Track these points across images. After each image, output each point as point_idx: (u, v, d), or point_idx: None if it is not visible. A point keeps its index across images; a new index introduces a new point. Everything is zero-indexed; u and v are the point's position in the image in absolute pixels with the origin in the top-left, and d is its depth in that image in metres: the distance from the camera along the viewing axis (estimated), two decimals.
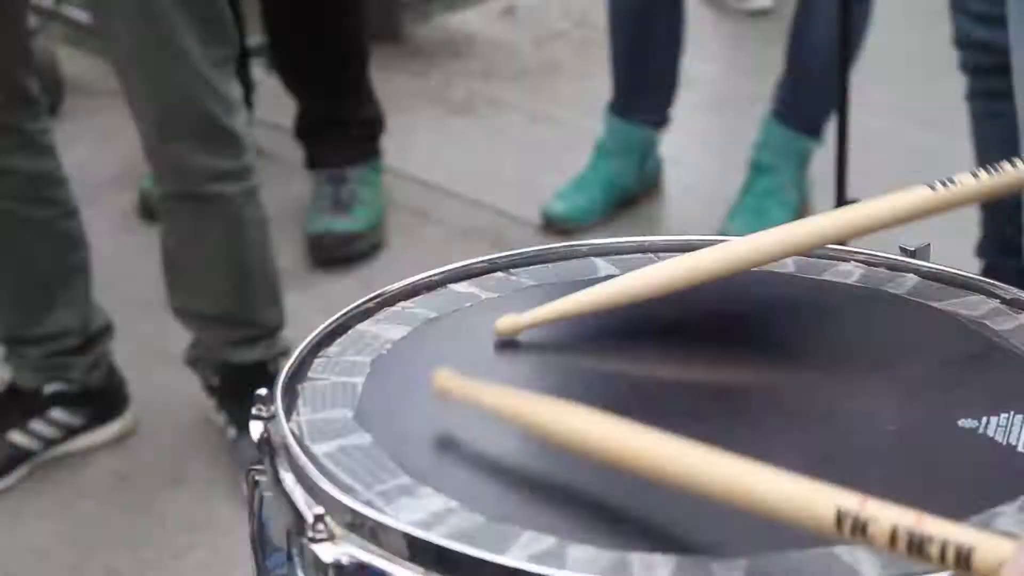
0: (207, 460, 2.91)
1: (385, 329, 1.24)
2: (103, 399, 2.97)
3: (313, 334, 1.21)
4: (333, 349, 1.21)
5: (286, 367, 1.17)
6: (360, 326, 1.24)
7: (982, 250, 3.07)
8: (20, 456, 2.91)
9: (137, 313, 3.02)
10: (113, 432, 2.99)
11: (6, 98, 2.69)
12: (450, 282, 1.31)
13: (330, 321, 1.22)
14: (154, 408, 3.05)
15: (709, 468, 0.93)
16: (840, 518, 0.85)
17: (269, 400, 1.13)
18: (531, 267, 1.33)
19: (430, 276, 1.30)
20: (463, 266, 1.31)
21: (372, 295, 1.26)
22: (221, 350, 2.88)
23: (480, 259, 1.32)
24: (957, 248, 3.13)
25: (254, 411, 1.12)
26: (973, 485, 1.07)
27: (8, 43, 2.67)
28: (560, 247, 1.35)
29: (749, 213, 3.51)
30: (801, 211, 3.58)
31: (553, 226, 3.59)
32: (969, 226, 3.16)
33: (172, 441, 2.99)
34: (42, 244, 2.82)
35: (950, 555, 0.80)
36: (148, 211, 3.62)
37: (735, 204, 3.57)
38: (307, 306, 3.18)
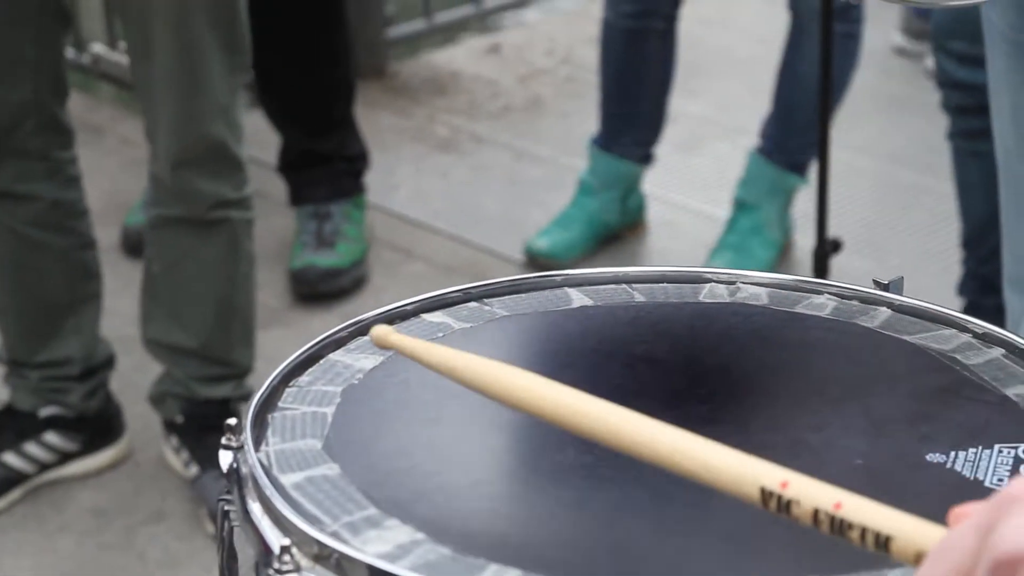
0: (186, 496, 2.90)
1: (357, 359, 1.24)
2: (98, 426, 2.96)
3: (285, 363, 1.20)
4: (304, 378, 1.21)
5: (257, 396, 1.16)
6: (332, 355, 1.24)
7: (963, 288, 3.07)
8: (13, 478, 2.90)
9: (117, 348, 3.01)
10: (107, 459, 2.98)
11: (37, 125, 2.71)
12: (424, 312, 1.31)
13: (302, 350, 1.22)
14: (133, 444, 3.03)
15: (654, 434, 0.94)
16: (764, 497, 0.87)
17: (239, 430, 1.13)
18: (505, 297, 1.33)
19: (403, 305, 1.30)
20: (437, 296, 1.31)
21: (346, 323, 1.26)
22: (190, 385, 2.87)
23: (454, 289, 1.32)
24: (934, 282, 3.14)
25: (224, 441, 1.12)
26: (940, 520, 1.06)
27: (49, 72, 2.71)
28: (534, 277, 1.34)
29: (732, 251, 3.51)
30: (784, 249, 3.59)
31: (536, 262, 3.59)
32: (949, 262, 3.17)
33: (151, 477, 2.97)
34: (55, 272, 2.83)
35: (870, 539, 0.84)
36: (131, 247, 3.61)
37: (719, 241, 3.57)
38: (289, 342, 3.17)
